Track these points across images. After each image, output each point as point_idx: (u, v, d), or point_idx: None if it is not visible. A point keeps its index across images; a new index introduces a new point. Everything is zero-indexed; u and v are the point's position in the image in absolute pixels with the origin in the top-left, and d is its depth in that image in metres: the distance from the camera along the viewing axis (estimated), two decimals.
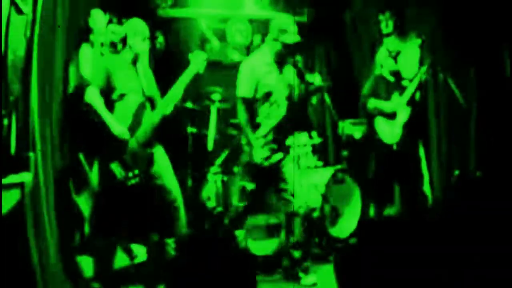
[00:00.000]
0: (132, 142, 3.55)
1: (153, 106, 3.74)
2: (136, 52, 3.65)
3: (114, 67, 3.61)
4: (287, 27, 3.77)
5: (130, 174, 3.47)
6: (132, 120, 3.58)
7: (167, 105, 3.63)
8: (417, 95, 4.51)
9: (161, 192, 3.67)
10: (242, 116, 3.81)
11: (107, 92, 3.55)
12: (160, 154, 3.75)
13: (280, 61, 3.87)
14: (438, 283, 2.60)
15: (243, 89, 3.80)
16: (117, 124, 3.50)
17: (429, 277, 2.62)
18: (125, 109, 3.58)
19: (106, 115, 3.49)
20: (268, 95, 3.80)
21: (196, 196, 4.90)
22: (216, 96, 5.06)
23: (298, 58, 4.72)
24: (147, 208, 3.77)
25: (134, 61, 3.69)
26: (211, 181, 4.86)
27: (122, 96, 3.57)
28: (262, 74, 3.79)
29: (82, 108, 3.58)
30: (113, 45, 4.14)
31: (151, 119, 3.63)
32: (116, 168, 3.49)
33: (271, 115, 3.84)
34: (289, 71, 3.92)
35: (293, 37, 3.77)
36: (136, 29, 3.63)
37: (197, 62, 3.68)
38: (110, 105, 3.56)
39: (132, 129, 3.57)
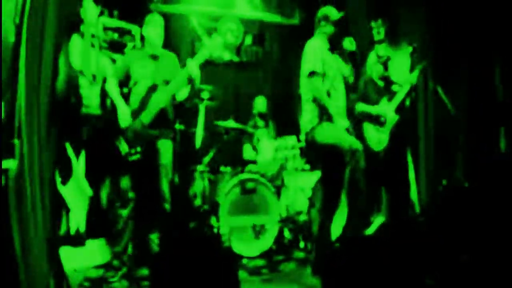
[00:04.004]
0: (136, 122, 3.72)
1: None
2: (152, 44, 3.87)
3: (133, 61, 3.88)
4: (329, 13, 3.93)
5: (132, 151, 3.67)
6: (139, 102, 3.77)
7: (175, 87, 3.77)
8: (407, 101, 4.52)
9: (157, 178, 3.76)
10: (321, 88, 3.74)
11: (124, 82, 3.87)
12: (166, 147, 3.84)
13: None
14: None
15: (313, 64, 3.76)
16: (124, 109, 3.73)
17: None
18: (137, 94, 3.79)
19: (118, 102, 3.76)
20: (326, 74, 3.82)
21: (183, 194, 4.85)
22: (205, 94, 5.02)
23: None
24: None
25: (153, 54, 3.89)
26: (198, 179, 4.82)
27: (135, 83, 3.82)
28: (324, 52, 3.85)
29: (71, 98, 3.53)
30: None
31: (158, 100, 3.74)
32: (121, 144, 3.69)
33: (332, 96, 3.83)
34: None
35: (336, 13, 3.91)
36: (155, 23, 3.87)
37: (210, 46, 3.81)
38: (127, 92, 3.87)
39: (138, 111, 3.74)
